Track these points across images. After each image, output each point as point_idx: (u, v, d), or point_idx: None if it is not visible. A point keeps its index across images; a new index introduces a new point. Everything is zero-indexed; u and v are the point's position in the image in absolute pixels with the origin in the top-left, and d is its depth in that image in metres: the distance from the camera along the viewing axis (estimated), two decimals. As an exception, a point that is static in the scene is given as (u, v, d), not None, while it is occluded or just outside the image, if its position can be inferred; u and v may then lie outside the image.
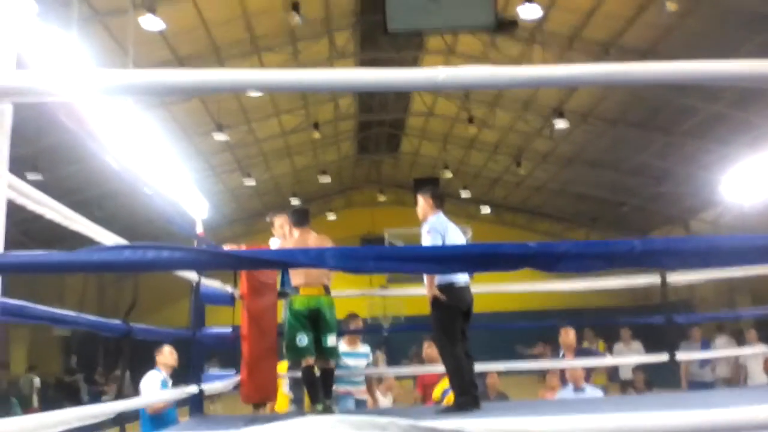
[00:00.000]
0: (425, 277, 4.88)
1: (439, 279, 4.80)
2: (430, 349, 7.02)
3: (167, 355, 6.47)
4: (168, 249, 2.15)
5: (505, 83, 2.36)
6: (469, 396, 4.68)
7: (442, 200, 5.20)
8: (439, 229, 4.94)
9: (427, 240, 4.91)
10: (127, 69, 8.26)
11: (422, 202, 5.15)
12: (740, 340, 10.88)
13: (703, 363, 10.17)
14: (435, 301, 4.80)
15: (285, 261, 2.41)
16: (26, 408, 15.42)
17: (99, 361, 22.12)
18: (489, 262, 2.04)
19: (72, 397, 17.82)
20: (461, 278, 4.88)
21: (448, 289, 4.79)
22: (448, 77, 2.02)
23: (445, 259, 2.19)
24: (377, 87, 2.05)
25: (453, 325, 4.82)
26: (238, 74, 2.31)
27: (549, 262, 1.99)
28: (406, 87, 2.02)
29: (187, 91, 2.64)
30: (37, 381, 17.92)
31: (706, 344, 10.54)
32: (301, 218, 5.53)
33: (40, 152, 14.75)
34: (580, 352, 7.31)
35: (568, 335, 7.17)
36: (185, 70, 2.84)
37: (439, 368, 5.50)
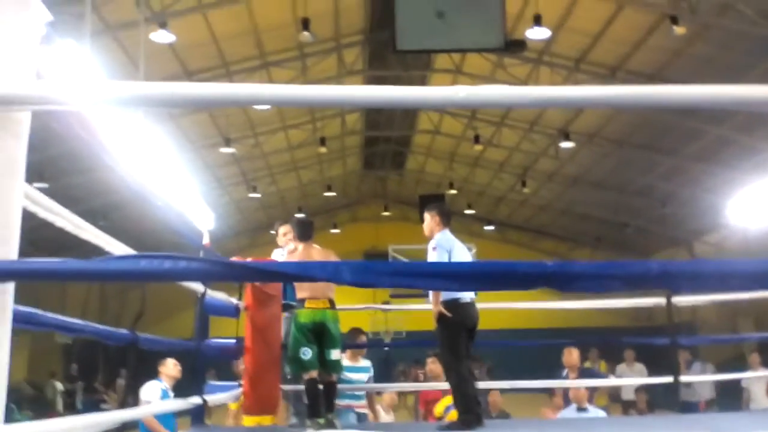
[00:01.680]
0: (431, 293, 4.88)
1: (444, 295, 4.79)
2: (433, 365, 7.01)
3: (171, 367, 6.50)
4: (184, 259, 2.16)
5: (522, 103, 2.38)
6: (472, 414, 4.67)
7: (449, 218, 5.21)
8: (445, 246, 4.95)
9: (432, 256, 4.92)
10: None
11: (429, 219, 5.16)
12: (743, 363, 10.91)
13: (688, 384, 10.33)
14: (440, 318, 4.80)
15: (302, 274, 2.41)
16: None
17: (99, 370, 22.20)
18: (506, 281, 2.05)
19: (72, 405, 18.08)
20: (467, 294, 4.87)
21: (453, 305, 4.78)
22: (468, 95, 2.05)
23: (462, 276, 2.18)
24: (400, 104, 2.07)
25: (458, 342, 4.81)
26: (257, 88, 2.33)
27: (565, 281, 1.99)
28: (428, 105, 2.05)
29: (198, 103, 2.66)
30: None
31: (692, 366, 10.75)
32: (305, 231, 5.52)
33: (47, 161, 14.81)
34: (582, 372, 7.29)
35: (571, 355, 7.16)
36: (196, 83, 2.86)
37: (442, 384, 5.49)
